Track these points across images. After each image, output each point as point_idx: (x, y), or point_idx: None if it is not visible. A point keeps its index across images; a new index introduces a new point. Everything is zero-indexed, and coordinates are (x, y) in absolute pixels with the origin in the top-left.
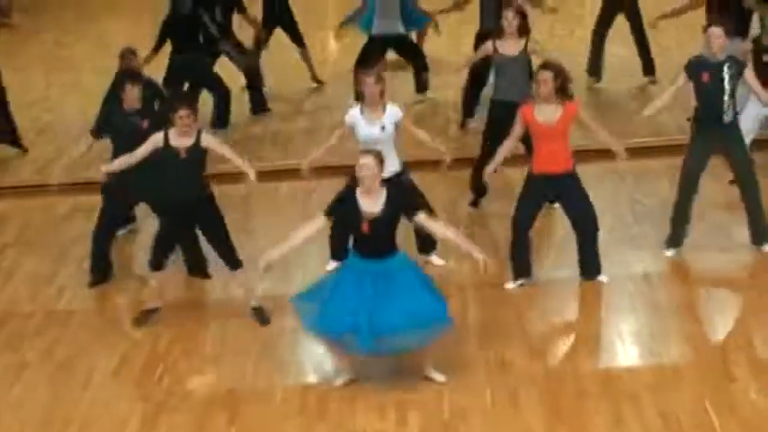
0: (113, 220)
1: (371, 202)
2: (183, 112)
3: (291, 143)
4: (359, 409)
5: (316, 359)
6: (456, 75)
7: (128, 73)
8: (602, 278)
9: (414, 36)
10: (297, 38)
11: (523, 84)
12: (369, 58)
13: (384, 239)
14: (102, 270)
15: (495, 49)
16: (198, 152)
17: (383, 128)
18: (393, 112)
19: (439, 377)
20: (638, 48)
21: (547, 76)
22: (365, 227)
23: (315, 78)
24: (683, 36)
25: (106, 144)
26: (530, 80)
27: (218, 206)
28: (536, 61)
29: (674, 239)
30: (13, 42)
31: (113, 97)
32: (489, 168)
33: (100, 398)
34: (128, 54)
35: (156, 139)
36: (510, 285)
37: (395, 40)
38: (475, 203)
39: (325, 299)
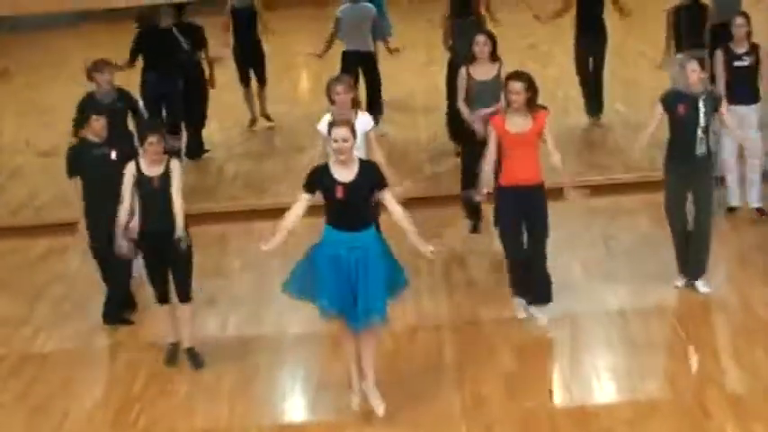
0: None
1: (346, 171)
2: (151, 139)
3: (264, 183)
4: None
5: (291, 398)
6: (424, 115)
7: (90, 104)
8: (540, 317)
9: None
10: (261, 77)
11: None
12: (342, 71)
13: (358, 208)
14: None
15: (470, 75)
16: (168, 180)
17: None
18: (364, 120)
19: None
20: (596, 88)
21: (519, 87)
22: (340, 191)
23: (266, 115)
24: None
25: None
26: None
27: (190, 240)
28: None
29: (684, 271)
30: None
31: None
32: (483, 190)
33: None
34: (101, 65)
35: (131, 170)
36: (520, 308)
37: (364, 57)
38: (475, 229)
39: (314, 283)
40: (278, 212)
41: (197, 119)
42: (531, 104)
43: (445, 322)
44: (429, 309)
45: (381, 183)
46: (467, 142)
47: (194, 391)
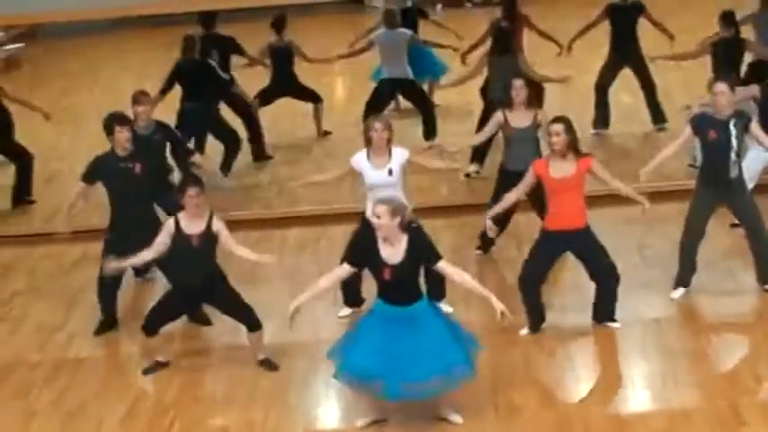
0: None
1: (393, 251)
2: (191, 192)
3: (298, 191)
4: None
5: (325, 404)
6: (461, 123)
7: (116, 116)
8: (615, 324)
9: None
10: (311, 97)
11: (531, 155)
12: (377, 100)
13: (407, 286)
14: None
15: (506, 121)
16: (209, 238)
17: (390, 172)
18: (399, 154)
19: (455, 418)
20: (647, 97)
21: (559, 128)
22: (387, 274)
23: (319, 132)
24: (684, 80)
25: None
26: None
27: (229, 282)
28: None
29: (682, 280)
30: (20, 92)
31: None
32: (489, 214)
33: None
34: (139, 97)
35: (169, 227)
36: (524, 332)
37: (401, 84)
38: (484, 251)
39: (352, 344)
40: (310, 219)
41: (253, 131)
42: (574, 148)
43: (479, 329)
44: (462, 315)
45: (432, 257)
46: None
47: (228, 398)
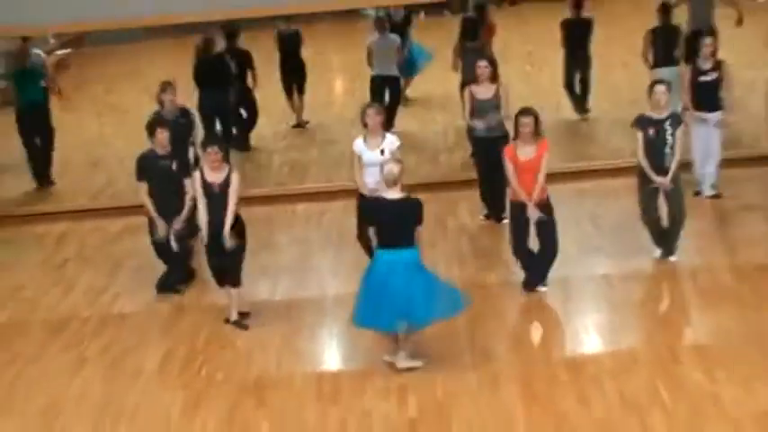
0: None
1: (392, 192)
2: (210, 150)
3: (305, 171)
4: (366, 394)
5: (329, 350)
6: (443, 111)
7: (157, 119)
8: (543, 288)
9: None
10: (301, 89)
11: (496, 121)
12: (373, 92)
13: (404, 227)
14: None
15: (474, 94)
16: (228, 187)
17: (382, 152)
18: (390, 140)
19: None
20: (582, 93)
21: (528, 120)
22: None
23: (300, 122)
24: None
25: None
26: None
27: (245, 234)
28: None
29: (658, 242)
30: (67, 90)
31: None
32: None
33: (148, 388)
34: (166, 86)
35: (196, 178)
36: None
37: (389, 79)
38: (488, 216)
39: (362, 297)
40: (315, 195)
41: (250, 123)
42: (537, 133)
43: (458, 286)
44: (443, 275)
45: (420, 217)
46: (476, 158)
47: (248, 346)
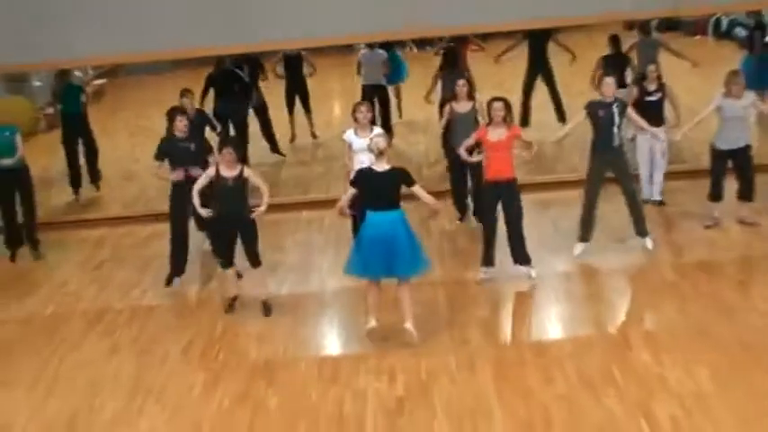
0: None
1: (379, 165)
2: (226, 150)
3: (309, 183)
4: (361, 374)
5: (329, 338)
6: (424, 133)
7: (176, 109)
8: (532, 273)
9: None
10: (306, 105)
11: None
12: (363, 99)
13: (391, 192)
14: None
15: (453, 109)
16: (241, 181)
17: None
18: (377, 131)
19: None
20: (554, 102)
21: (500, 105)
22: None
23: (313, 134)
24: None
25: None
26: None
27: (256, 224)
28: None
29: (582, 237)
30: (102, 114)
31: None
32: (462, 148)
33: (173, 370)
34: (185, 92)
35: (210, 173)
36: (480, 275)
37: (377, 88)
38: (461, 219)
39: (354, 250)
40: (317, 204)
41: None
42: (507, 119)
43: (439, 281)
44: (428, 272)
45: (410, 178)
46: (451, 156)
47: (259, 334)
